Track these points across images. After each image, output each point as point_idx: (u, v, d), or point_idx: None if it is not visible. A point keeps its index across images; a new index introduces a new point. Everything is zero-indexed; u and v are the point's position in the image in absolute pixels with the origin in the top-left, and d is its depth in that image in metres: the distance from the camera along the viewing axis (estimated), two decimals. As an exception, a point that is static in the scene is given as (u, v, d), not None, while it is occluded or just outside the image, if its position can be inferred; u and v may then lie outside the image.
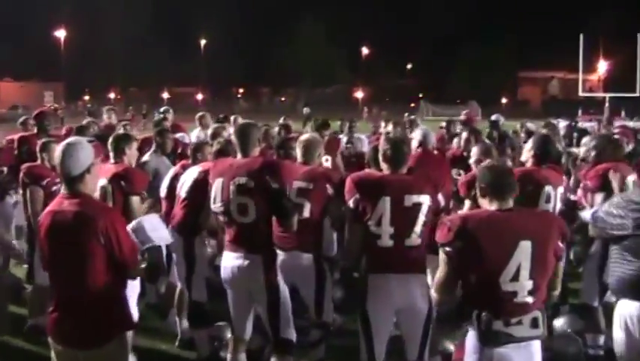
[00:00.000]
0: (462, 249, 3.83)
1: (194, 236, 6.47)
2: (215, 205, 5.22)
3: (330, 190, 5.75)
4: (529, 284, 3.81)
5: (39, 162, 7.12)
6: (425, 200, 4.75)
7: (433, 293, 4.05)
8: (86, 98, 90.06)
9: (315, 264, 5.89)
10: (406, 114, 17.33)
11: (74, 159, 4.12)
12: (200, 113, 12.70)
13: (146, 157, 8.24)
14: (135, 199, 5.98)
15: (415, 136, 8.15)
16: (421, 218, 4.73)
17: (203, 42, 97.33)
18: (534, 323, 3.83)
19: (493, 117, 12.67)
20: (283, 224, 5.23)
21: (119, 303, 4.29)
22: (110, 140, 6.51)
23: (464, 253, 3.83)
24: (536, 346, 3.96)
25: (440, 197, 4.90)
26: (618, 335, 4.73)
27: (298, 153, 6.14)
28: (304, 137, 6.34)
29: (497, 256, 3.78)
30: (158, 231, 4.74)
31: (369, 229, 4.76)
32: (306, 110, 11.86)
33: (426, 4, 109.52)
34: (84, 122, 10.61)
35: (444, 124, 12.50)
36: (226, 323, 6.21)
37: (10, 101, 75.83)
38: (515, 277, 3.79)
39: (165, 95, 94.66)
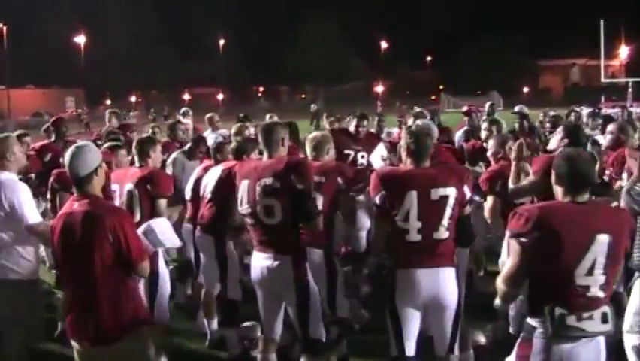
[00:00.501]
0: (539, 240, 3.69)
1: (224, 236, 6.50)
2: (242, 207, 5.22)
3: (341, 183, 5.76)
4: (602, 278, 3.73)
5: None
6: (452, 192, 4.72)
7: (500, 285, 3.88)
8: (108, 102, 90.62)
9: (325, 259, 5.88)
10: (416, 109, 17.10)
11: (82, 161, 4.36)
12: (208, 115, 12.74)
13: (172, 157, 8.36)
14: (162, 202, 6.01)
15: None
16: (448, 211, 4.70)
17: (221, 42, 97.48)
18: (604, 318, 3.75)
19: (517, 108, 12.34)
20: (307, 225, 5.20)
21: (131, 300, 4.43)
22: (135, 143, 6.54)
23: (541, 244, 3.70)
24: (602, 343, 3.88)
25: (466, 189, 4.87)
26: (634, 304, 4.91)
27: (308, 150, 6.15)
28: (313, 134, 6.35)
29: (575, 248, 3.69)
30: (166, 234, 4.96)
31: (396, 225, 4.73)
32: (313, 106, 11.69)
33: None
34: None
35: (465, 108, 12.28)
36: (256, 323, 6.23)
37: (32, 108, 76.43)
38: (590, 271, 3.70)
39: (186, 97, 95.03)
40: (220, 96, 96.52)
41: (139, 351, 4.42)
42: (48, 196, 7.75)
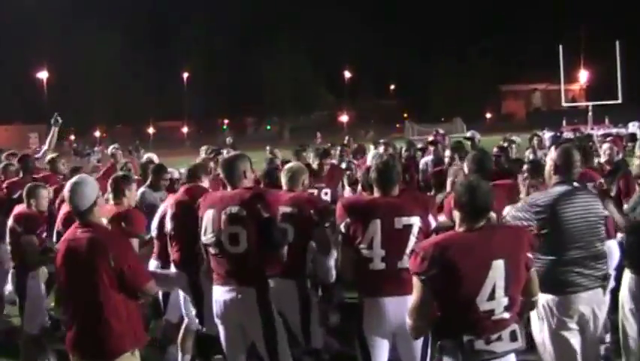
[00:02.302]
0: (437, 276, 3.79)
1: (196, 267, 6.39)
2: (206, 236, 5.21)
3: (315, 216, 5.76)
4: (505, 301, 3.82)
5: (26, 206, 7.10)
6: (415, 221, 4.78)
7: (408, 320, 3.97)
8: (72, 137, 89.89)
9: (298, 290, 5.85)
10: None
11: (80, 196, 4.65)
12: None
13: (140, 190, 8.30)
14: (135, 241, 5.98)
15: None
16: (412, 240, 4.75)
17: (185, 75, 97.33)
18: (513, 336, 3.85)
19: (469, 134, 12.52)
20: (272, 254, 5.20)
21: (129, 321, 4.62)
22: (110, 181, 6.56)
23: (440, 279, 3.79)
24: (512, 359, 3.94)
25: (431, 218, 4.91)
26: (535, 323, 5.01)
27: (283, 180, 6.16)
28: (289, 165, 6.39)
29: (473, 278, 3.77)
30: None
31: (360, 253, 4.77)
32: (228, 139, 11.53)
33: (404, 24, 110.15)
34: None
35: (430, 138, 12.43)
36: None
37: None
38: (492, 296, 3.79)
39: (151, 130, 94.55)
40: (185, 129, 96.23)
41: None
42: (7, 240, 7.41)
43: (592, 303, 4.96)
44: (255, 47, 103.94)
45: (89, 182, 4.81)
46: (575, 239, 4.90)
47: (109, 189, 6.52)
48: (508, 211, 5.20)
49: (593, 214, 5.03)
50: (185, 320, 6.86)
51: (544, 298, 4.78)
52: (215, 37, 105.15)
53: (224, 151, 11.49)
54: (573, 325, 4.94)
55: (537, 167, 6.67)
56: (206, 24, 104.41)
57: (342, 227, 4.89)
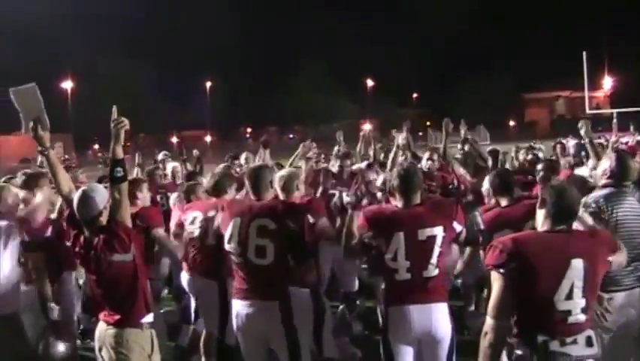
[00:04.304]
0: (515, 270, 3.75)
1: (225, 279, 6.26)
2: (230, 245, 5.19)
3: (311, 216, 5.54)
4: (582, 302, 3.76)
5: None
6: (439, 232, 4.75)
7: (489, 320, 3.84)
8: (96, 147, 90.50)
9: (312, 298, 5.74)
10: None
11: (88, 206, 4.77)
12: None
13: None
14: (159, 230, 6.02)
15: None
16: (437, 250, 4.74)
17: (208, 84, 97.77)
18: (589, 342, 3.78)
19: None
20: (301, 266, 5.18)
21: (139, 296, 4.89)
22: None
23: (518, 273, 3.75)
24: None
25: (456, 224, 4.88)
26: None
27: (278, 189, 5.89)
28: (280, 173, 6.06)
29: (551, 274, 3.74)
30: None
31: (386, 263, 4.77)
32: (195, 152, 11.34)
33: (427, 32, 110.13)
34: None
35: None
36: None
37: (20, 154, 76.24)
38: (569, 296, 3.74)
39: (174, 140, 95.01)
40: (208, 138, 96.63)
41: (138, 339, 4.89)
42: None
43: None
44: (279, 57, 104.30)
45: (99, 192, 4.89)
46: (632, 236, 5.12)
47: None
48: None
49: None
50: (205, 328, 6.83)
51: None
52: (236, 47, 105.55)
53: (243, 156, 11.47)
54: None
55: (551, 165, 6.78)
56: (229, 34, 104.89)
57: (364, 237, 4.87)
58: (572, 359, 3.73)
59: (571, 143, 20.10)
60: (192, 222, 6.53)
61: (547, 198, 3.97)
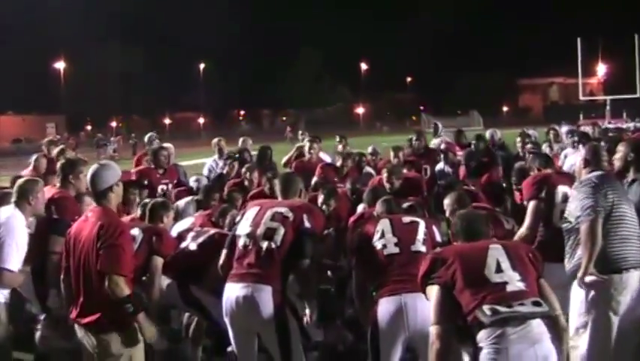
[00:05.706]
0: (444, 269, 4.02)
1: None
2: (242, 228, 5.25)
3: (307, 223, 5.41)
4: (515, 275, 3.94)
5: None
6: (420, 220, 5.29)
7: (433, 328, 3.97)
8: (89, 128, 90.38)
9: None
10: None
11: (99, 178, 4.86)
12: (215, 140, 11.81)
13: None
14: (159, 260, 5.99)
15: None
16: (422, 229, 5.14)
17: (202, 66, 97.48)
18: (536, 303, 3.86)
19: (487, 134, 12.37)
20: (299, 263, 5.19)
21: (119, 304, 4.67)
22: (149, 207, 6.55)
23: (447, 270, 4.01)
24: (542, 327, 3.87)
25: (435, 229, 5.32)
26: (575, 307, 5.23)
27: (277, 190, 5.83)
28: (283, 176, 6.10)
29: (475, 258, 4.03)
30: None
31: (375, 249, 5.04)
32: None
33: (423, 16, 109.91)
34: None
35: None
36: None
37: (12, 134, 76.10)
38: (499, 269, 3.95)
39: (167, 121, 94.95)
40: (201, 120, 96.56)
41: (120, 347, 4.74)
42: None
43: None
44: (273, 40, 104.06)
45: (111, 167, 5.02)
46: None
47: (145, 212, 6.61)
48: (570, 205, 5.36)
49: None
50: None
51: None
52: (230, 28, 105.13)
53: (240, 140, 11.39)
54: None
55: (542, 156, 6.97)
56: (223, 16, 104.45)
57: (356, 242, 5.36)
58: (523, 315, 3.81)
59: (564, 129, 20.12)
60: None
61: (455, 228, 4.41)
